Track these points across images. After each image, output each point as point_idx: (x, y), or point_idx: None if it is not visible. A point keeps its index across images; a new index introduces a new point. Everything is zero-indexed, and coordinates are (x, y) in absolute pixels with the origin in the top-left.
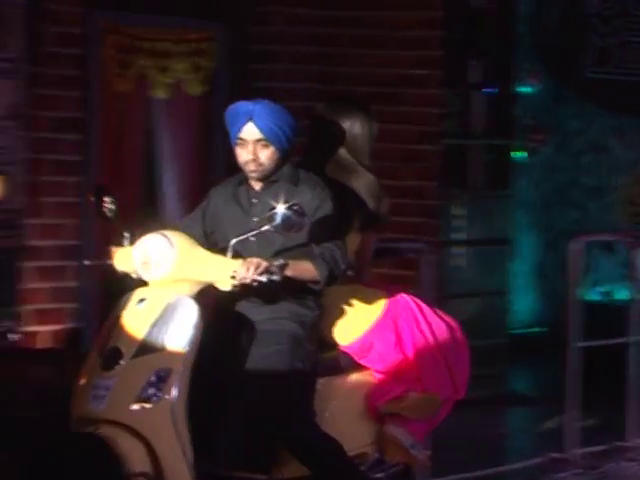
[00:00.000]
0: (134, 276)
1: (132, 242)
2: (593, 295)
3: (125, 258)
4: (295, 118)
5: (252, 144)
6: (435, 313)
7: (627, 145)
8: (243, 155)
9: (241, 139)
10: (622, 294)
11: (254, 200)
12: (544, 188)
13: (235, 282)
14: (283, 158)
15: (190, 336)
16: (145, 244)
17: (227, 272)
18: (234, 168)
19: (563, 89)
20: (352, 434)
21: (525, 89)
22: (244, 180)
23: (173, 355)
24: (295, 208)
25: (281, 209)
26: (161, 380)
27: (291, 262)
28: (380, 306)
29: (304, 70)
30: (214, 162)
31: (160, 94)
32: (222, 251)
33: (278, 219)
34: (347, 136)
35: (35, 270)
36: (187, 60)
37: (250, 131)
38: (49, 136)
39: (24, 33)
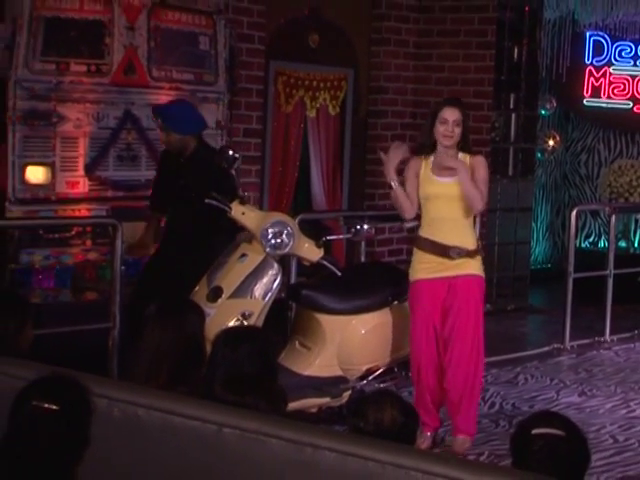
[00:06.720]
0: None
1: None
2: (584, 245)
3: (241, 214)
4: (198, 114)
5: (163, 130)
6: None
7: (608, 148)
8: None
9: (159, 128)
10: (602, 244)
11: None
12: (555, 175)
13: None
14: (187, 139)
15: (272, 290)
16: (276, 227)
17: (315, 255)
18: (360, 170)
19: (569, 112)
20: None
21: (545, 112)
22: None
23: (257, 302)
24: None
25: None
26: (245, 318)
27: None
28: None
29: (404, 98)
30: (346, 164)
31: (311, 113)
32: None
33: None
34: None
35: None
36: (328, 91)
37: (160, 124)
38: (242, 140)
39: (226, 75)
